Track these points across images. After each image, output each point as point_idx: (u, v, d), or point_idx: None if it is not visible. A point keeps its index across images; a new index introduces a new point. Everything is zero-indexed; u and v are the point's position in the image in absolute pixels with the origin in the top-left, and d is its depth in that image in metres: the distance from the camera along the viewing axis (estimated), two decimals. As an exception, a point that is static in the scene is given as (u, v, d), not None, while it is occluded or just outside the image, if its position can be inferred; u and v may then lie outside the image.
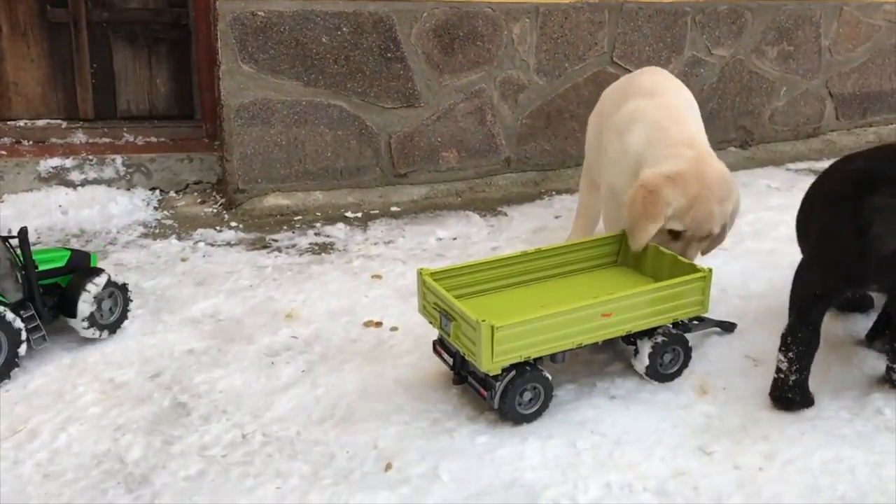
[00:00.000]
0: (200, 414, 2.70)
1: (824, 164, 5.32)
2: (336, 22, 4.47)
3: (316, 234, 4.30)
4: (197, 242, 4.16)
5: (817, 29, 5.45)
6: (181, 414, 2.70)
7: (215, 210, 4.64)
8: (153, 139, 4.94)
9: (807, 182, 4.98)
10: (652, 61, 5.08)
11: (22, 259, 2.94)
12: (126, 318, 3.23)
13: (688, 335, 2.88)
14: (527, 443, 2.50)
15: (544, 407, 2.61)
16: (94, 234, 4.28)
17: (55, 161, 4.69)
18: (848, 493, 2.26)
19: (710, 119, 5.28)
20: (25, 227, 2.96)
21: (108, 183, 4.75)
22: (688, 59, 5.18)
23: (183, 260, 3.93)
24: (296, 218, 4.54)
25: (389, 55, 4.59)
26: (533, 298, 2.90)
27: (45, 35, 4.78)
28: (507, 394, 2.52)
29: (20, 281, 2.96)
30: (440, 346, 2.76)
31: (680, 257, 2.93)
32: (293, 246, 4.14)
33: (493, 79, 4.80)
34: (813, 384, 2.77)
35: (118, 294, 3.21)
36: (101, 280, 3.12)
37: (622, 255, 3.16)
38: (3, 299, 2.86)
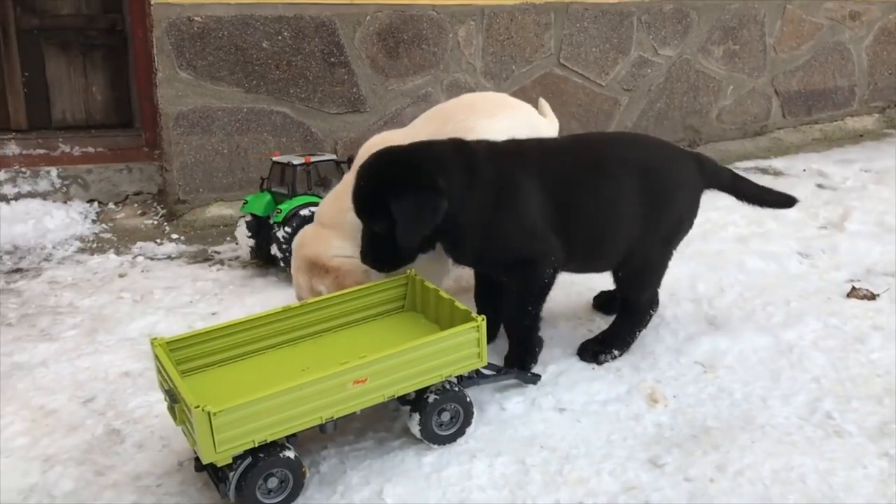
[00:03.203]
0: (135, 441, 2.57)
1: (772, 162, 5.38)
2: (276, 27, 4.36)
3: (260, 245, 4.18)
4: (136, 257, 4.03)
5: (762, 28, 5.48)
6: (115, 441, 2.58)
7: (156, 222, 4.50)
8: (90, 149, 4.79)
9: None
10: (599, 62, 5.07)
11: None
12: None
13: (476, 388, 2.64)
14: (475, 461, 2.42)
15: (296, 492, 2.24)
16: (28, 251, 4.12)
17: (-14, 174, 4.52)
18: (799, 503, 2.23)
19: (657, 119, 5.30)
20: None
21: (44, 196, 4.59)
22: (635, 59, 5.17)
23: (121, 276, 3.80)
24: (240, 228, 4.41)
25: (333, 60, 4.50)
26: (296, 362, 2.53)
27: (-27, 43, 4.60)
28: (244, 484, 2.16)
29: None
30: None
31: (457, 302, 2.60)
32: (236, 258, 4.02)
33: (439, 82, 4.73)
34: (762, 389, 2.75)
35: None
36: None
37: (409, 299, 2.82)
38: None
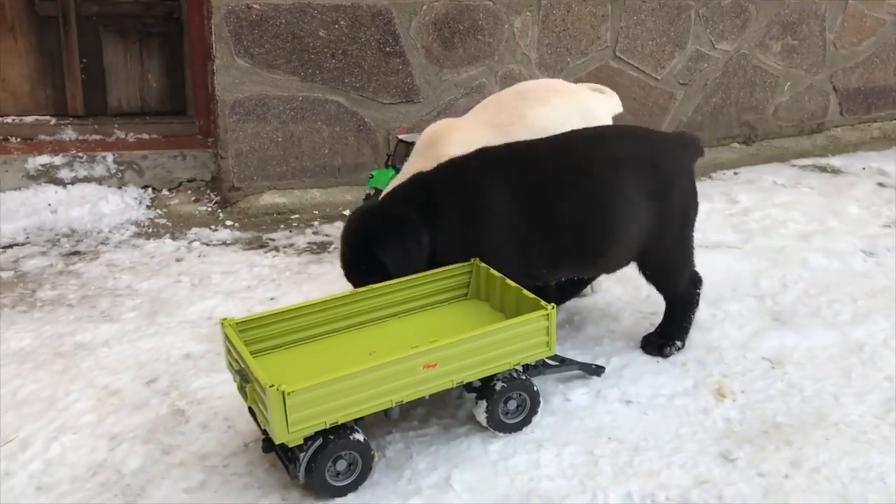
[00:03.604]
0: (199, 421, 2.58)
1: (829, 161, 5.28)
2: (334, 15, 4.36)
3: (314, 234, 4.19)
4: (192, 242, 4.05)
5: (822, 23, 5.37)
6: (179, 421, 2.59)
7: (209, 208, 4.52)
8: (145, 136, 4.82)
9: (813, 178, 4.94)
10: (655, 56, 5.00)
11: None
12: None
13: (540, 377, 2.61)
14: (542, 450, 2.39)
15: (364, 475, 2.25)
16: (84, 234, 4.16)
17: (44, 158, 4.58)
18: (880, 503, 2.17)
19: (713, 115, 5.22)
20: None
21: (99, 181, 4.63)
22: (691, 53, 5.09)
23: (178, 260, 3.82)
24: (293, 216, 4.43)
25: (388, 49, 4.49)
26: (362, 346, 2.51)
27: (34, 29, 4.65)
28: (313, 466, 2.17)
29: None
30: None
31: (524, 291, 2.55)
32: (291, 245, 4.03)
33: (493, 73, 4.70)
34: (833, 386, 2.69)
35: None
36: None
37: (473, 286, 2.78)
38: None
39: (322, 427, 2.15)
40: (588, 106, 3.39)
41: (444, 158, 2.88)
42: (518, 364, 2.45)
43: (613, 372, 2.81)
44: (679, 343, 2.92)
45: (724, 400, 2.65)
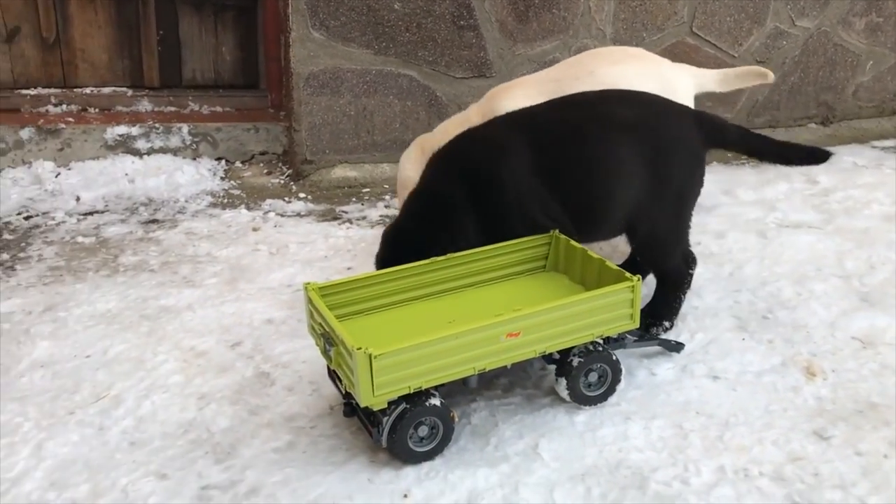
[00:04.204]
0: (284, 384, 2.61)
1: (912, 142, 5.10)
2: (409, -12, 4.34)
3: (386, 207, 4.19)
4: (267, 213, 4.09)
5: (908, -1, 5.18)
6: (265, 384, 2.62)
7: (282, 181, 4.56)
8: (218, 108, 4.88)
9: (895, 161, 4.78)
10: (733, 32, 4.89)
11: None
12: None
13: (621, 351, 2.54)
14: (629, 423, 2.37)
15: (445, 441, 2.25)
16: (161, 203, 4.23)
17: (121, 129, 4.66)
18: (984, 485, 2.10)
19: (790, 94, 5.09)
20: None
21: (174, 152, 4.70)
22: (770, 30, 4.96)
23: (255, 230, 3.86)
24: (364, 190, 4.44)
25: (462, 23, 4.46)
26: (441, 314, 2.51)
27: (113, 1, 4.72)
28: (396, 431, 2.17)
29: None
30: (334, 370, 2.34)
31: (608, 262, 2.52)
32: (363, 218, 4.04)
33: (567, 48, 4.64)
34: (928, 368, 2.61)
35: None
36: None
37: (552, 258, 2.75)
38: None
39: (406, 391, 2.16)
40: (667, 76, 3.34)
41: (495, 113, 2.97)
42: (601, 336, 2.42)
43: (699, 348, 2.76)
44: (667, 323, 2.83)
45: (814, 378, 2.59)
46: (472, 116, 3.30)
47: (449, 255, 2.62)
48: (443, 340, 2.16)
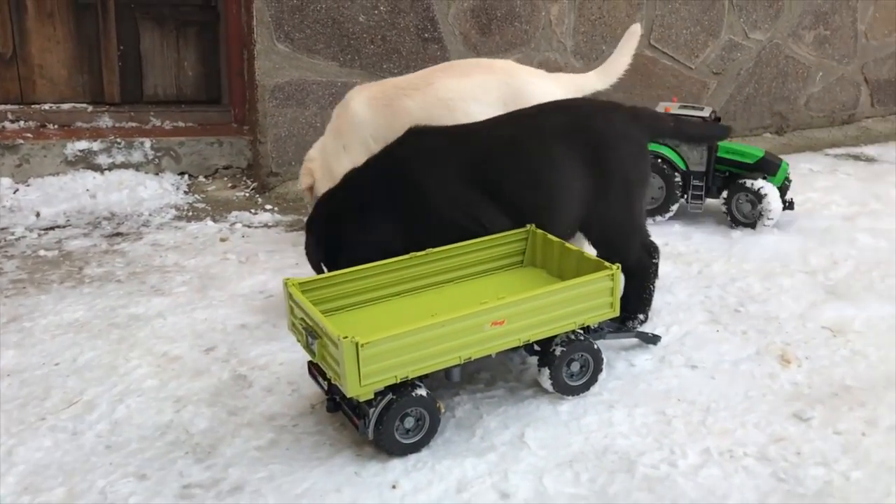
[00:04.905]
0: (263, 386, 2.57)
1: (862, 150, 5.27)
2: (374, 1, 4.37)
3: (354, 217, 4.17)
4: (233, 224, 4.05)
5: (854, 13, 5.39)
6: (242, 386, 2.57)
7: (247, 194, 4.52)
8: (181, 124, 4.82)
9: (848, 166, 4.93)
10: (689, 45, 5.01)
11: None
12: None
13: (602, 342, 2.55)
14: (613, 411, 2.38)
15: (432, 433, 2.23)
16: (125, 217, 4.16)
17: (82, 144, 4.57)
18: (959, 458, 2.15)
19: (745, 104, 5.22)
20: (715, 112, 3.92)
21: (137, 167, 4.63)
22: (725, 42, 5.10)
23: (222, 240, 3.81)
24: (331, 201, 4.41)
25: (426, 35, 4.50)
26: (422, 309, 2.51)
27: (72, 16, 4.66)
28: (382, 422, 2.15)
29: (703, 158, 3.84)
30: (315, 367, 2.37)
31: (586, 253, 2.56)
32: (333, 227, 4.02)
33: (529, 61, 4.70)
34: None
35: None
36: (757, 183, 3.73)
37: (529, 253, 2.78)
38: (683, 164, 3.86)
39: (393, 381, 2.14)
40: (516, 86, 3.39)
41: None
42: (583, 324, 2.44)
43: (675, 340, 2.79)
44: (641, 316, 2.87)
45: (789, 366, 2.64)
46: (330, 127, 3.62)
47: (427, 251, 2.63)
48: (429, 329, 2.16)
